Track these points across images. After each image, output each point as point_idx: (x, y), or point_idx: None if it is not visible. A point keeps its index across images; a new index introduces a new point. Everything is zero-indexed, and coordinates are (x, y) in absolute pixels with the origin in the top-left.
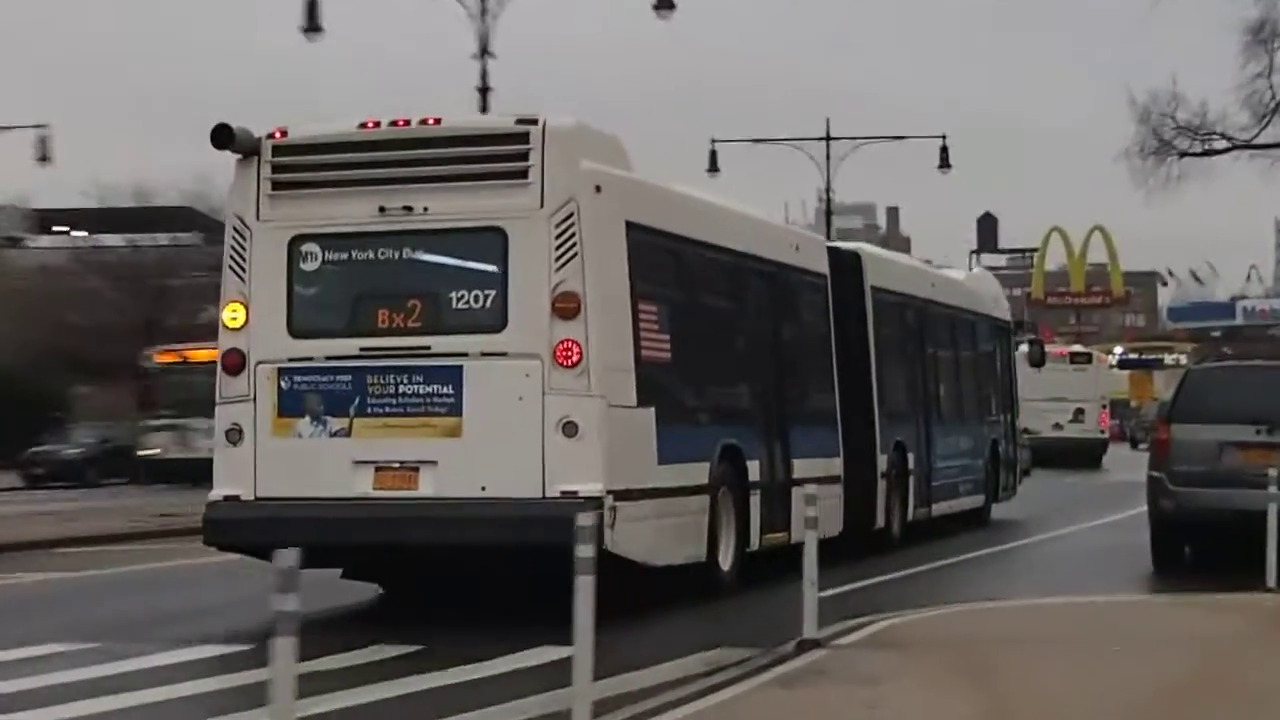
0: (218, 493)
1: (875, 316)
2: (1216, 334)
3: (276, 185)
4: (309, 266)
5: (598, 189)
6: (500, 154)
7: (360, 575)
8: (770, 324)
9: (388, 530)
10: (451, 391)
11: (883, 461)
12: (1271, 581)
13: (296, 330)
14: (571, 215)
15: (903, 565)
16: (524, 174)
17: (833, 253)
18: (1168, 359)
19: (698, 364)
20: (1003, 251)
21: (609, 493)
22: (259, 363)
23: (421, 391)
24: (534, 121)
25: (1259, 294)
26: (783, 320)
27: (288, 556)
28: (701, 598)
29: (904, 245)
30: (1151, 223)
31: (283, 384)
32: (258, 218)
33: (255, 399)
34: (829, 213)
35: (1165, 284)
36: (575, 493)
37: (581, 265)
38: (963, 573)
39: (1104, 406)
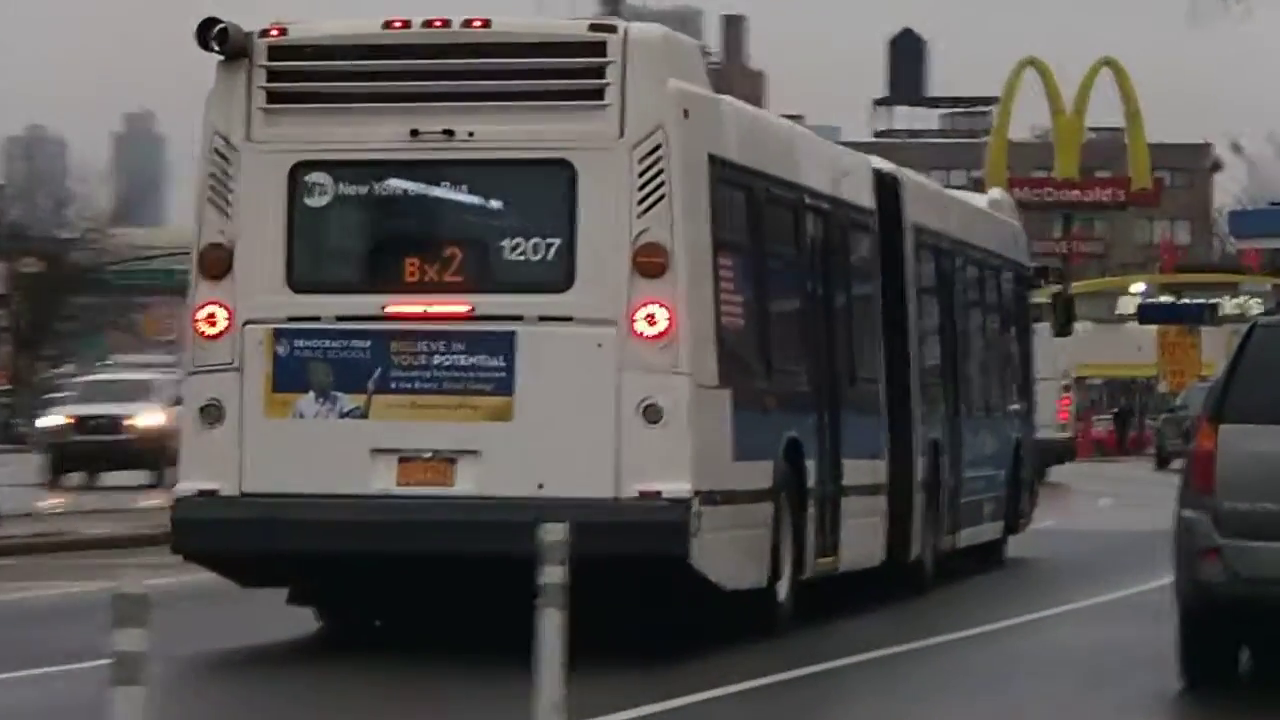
0: (188, 486)
1: (915, 269)
2: None
3: (273, 97)
4: (316, 202)
5: (685, 114)
6: (569, 68)
7: (335, 600)
8: (825, 280)
9: (415, 537)
10: (501, 364)
11: (920, 467)
12: None
13: (299, 283)
14: (659, 147)
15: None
16: (599, 94)
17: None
18: (1228, 305)
19: (766, 334)
20: (934, 102)
21: (696, 494)
22: (248, 322)
23: (462, 364)
24: (612, 29)
25: None
26: (836, 274)
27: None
28: (753, 635)
29: (754, 86)
30: (1203, 57)
31: (279, 350)
32: (248, 138)
33: (242, 368)
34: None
35: (1221, 168)
36: (657, 493)
37: (670, 210)
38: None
39: (1065, 388)
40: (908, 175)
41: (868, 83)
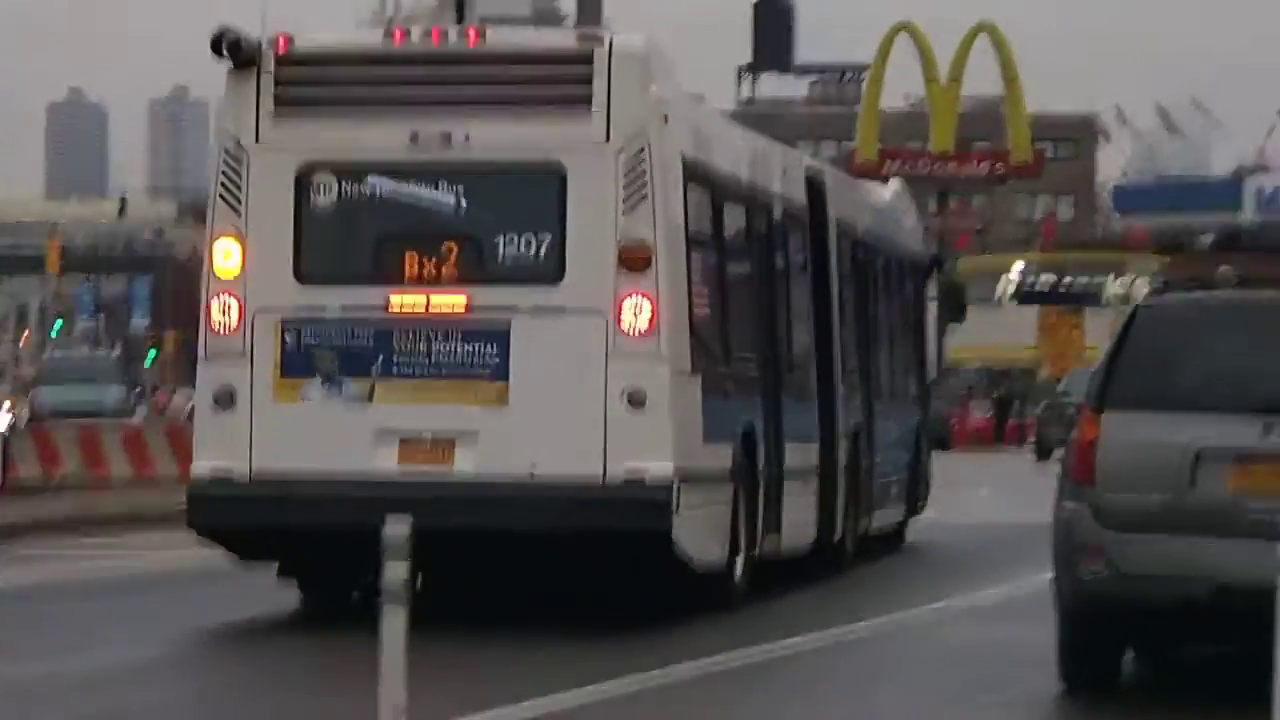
0: (202, 466)
1: (837, 259)
2: (1205, 238)
3: (281, 102)
4: (322, 200)
5: (665, 119)
6: (558, 76)
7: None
8: (770, 273)
9: (416, 514)
10: (496, 352)
11: (843, 452)
12: None
13: (306, 276)
14: (642, 150)
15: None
16: (586, 100)
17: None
18: (1113, 286)
19: (726, 324)
20: (803, 70)
21: (676, 474)
22: (258, 312)
23: (460, 351)
24: (599, 40)
25: None
26: (779, 268)
27: None
28: (711, 612)
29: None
30: (1087, 22)
31: (287, 339)
32: (257, 140)
33: (252, 356)
34: None
35: (1109, 139)
36: (643, 473)
37: (653, 209)
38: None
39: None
40: (830, 172)
41: (734, 49)
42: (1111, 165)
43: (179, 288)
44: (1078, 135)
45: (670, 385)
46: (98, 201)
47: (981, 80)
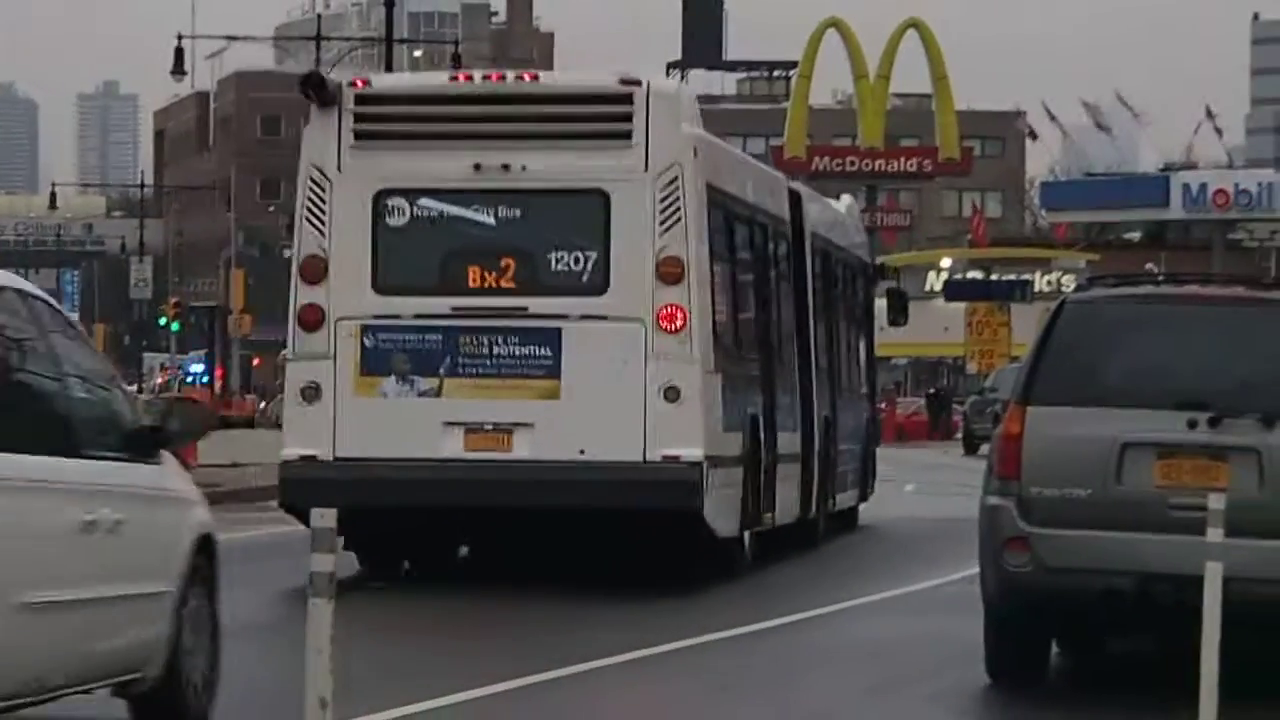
0: (292, 452)
1: (810, 267)
2: (1132, 236)
3: (359, 136)
4: (396, 222)
5: (695, 151)
6: (602, 114)
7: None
8: (766, 282)
9: (480, 493)
10: (549, 353)
11: (817, 439)
12: (1208, 714)
13: (382, 287)
14: (676, 179)
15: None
16: (627, 135)
17: None
18: (1042, 283)
19: (737, 328)
20: (731, 66)
21: (706, 458)
22: (340, 319)
23: (517, 353)
24: (638, 82)
25: (1213, 162)
26: (772, 277)
27: None
28: (724, 576)
29: (543, 47)
30: (1011, 22)
31: (366, 341)
32: (339, 169)
33: (335, 356)
34: None
35: (1035, 137)
36: (677, 457)
37: (685, 230)
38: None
39: None
40: (804, 190)
41: (663, 45)
42: (1040, 162)
43: (108, 282)
44: (1006, 132)
45: (700, 382)
46: (27, 196)
47: (910, 78)
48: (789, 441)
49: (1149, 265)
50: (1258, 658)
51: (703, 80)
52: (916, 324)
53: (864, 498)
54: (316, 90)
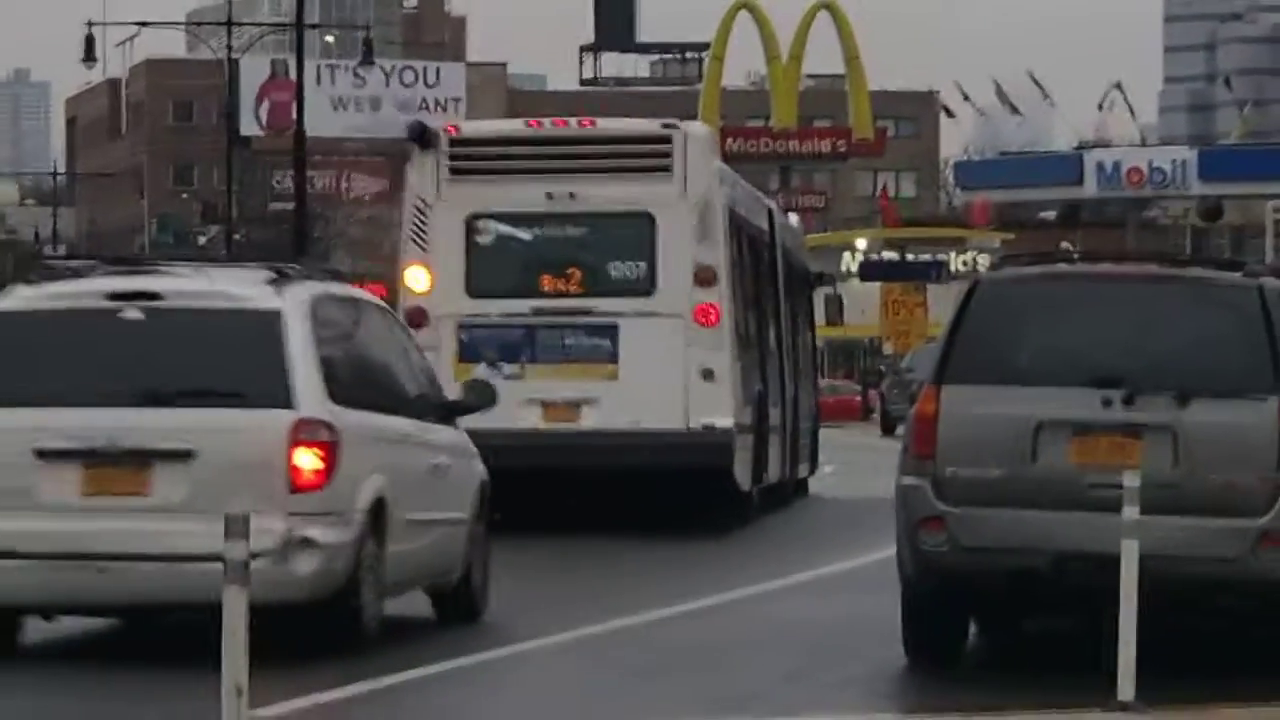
0: None
1: (781, 272)
2: (1048, 215)
3: (454, 171)
4: (484, 240)
5: (720, 181)
6: (648, 152)
7: None
8: (758, 284)
9: (555, 457)
10: (609, 343)
11: (789, 415)
12: (1126, 692)
13: (474, 292)
14: (708, 203)
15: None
16: (669, 169)
17: None
18: (957, 262)
19: (747, 321)
20: (644, 49)
21: (734, 425)
22: (440, 317)
23: (583, 343)
24: (676, 126)
25: (1126, 140)
26: (762, 280)
27: None
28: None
29: (455, 32)
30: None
31: (462, 336)
32: (438, 197)
33: (439, 348)
34: None
35: (952, 115)
36: (713, 425)
37: (714, 243)
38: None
39: None
40: (774, 206)
41: (576, 29)
42: (954, 142)
43: (22, 270)
44: (920, 113)
45: (729, 365)
46: None
47: (823, 58)
48: (776, 415)
49: (1064, 244)
50: (1174, 635)
51: (615, 63)
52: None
53: (812, 470)
54: (420, 138)
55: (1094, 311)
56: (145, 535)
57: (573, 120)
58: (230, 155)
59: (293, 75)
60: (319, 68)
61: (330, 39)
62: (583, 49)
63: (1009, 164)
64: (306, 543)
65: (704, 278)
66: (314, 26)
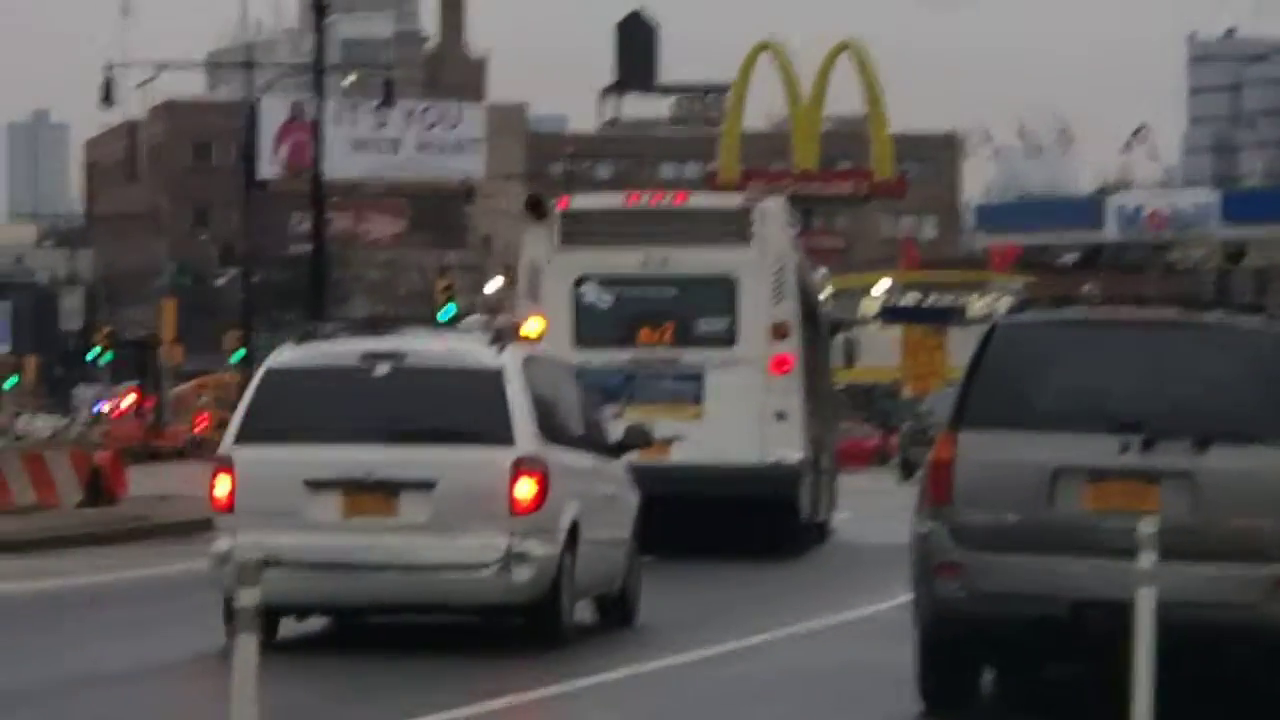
0: None
1: (819, 326)
2: (1070, 259)
3: (564, 239)
4: (589, 298)
5: (794, 248)
6: (731, 223)
7: None
8: (809, 336)
9: (650, 486)
10: (696, 387)
11: (826, 456)
12: None
13: (580, 342)
14: (783, 268)
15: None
16: (749, 238)
17: None
18: (978, 304)
19: (808, 368)
20: (665, 90)
21: (802, 461)
22: None
23: (674, 388)
24: (755, 200)
25: (1151, 181)
26: (811, 333)
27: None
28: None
29: (474, 75)
30: (950, 41)
31: None
32: (549, 262)
33: None
34: (320, 6)
35: (988, 142)
36: (784, 460)
37: (788, 302)
38: None
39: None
40: (808, 262)
41: (597, 70)
42: (976, 183)
43: (39, 313)
44: (941, 154)
45: (799, 408)
46: None
47: (845, 100)
48: (827, 457)
49: (1087, 287)
50: (1191, 683)
51: (636, 104)
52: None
53: (832, 508)
54: (535, 210)
55: (1113, 356)
56: (394, 549)
57: (667, 195)
58: (248, 197)
59: (311, 117)
60: (338, 109)
61: (350, 80)
62: (603, 90)
63: (1029, 207)
64: (524, 556)
65: (780, 332)
66: (334, 68)
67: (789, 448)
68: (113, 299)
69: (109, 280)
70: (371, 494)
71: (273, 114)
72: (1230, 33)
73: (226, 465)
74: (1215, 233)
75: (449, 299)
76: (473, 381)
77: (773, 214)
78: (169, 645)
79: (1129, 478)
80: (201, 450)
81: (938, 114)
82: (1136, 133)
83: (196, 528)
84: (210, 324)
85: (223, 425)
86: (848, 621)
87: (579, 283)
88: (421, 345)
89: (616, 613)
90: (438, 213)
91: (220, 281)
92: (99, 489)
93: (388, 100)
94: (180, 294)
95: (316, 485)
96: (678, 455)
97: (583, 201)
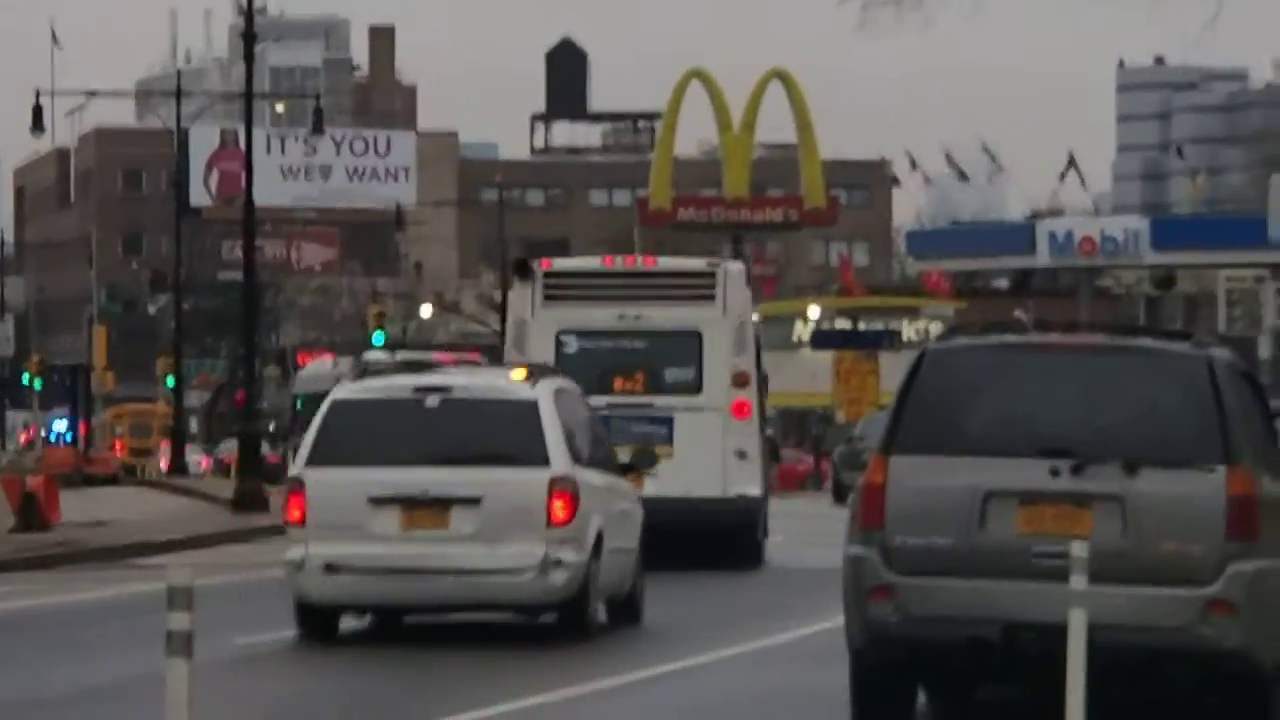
0: None
1: (760, 366)
2: (1000, 284)
3: (547, 297)
4: (569, 350)
5: (751, 305)
6: (697, 283)
7: None
8: (759, 379)
9: None
10: (666, 431)
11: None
12: None
13: None
14: (743, 323)
15: None
16: (712, 296)
17: None
18: (909, 330)
19: (761, 408)
20: (596, 117)
21: (761, 495)
22: None
23: (647, 430)
24: (719, 265)
25: (1079, 209)
26: (759, 375)
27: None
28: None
29: (405, 101)
30: (880, 68)
31: None
32: (532, 317)
33: None
34: (249, 34)
35: (899, 183)
36: (745, 494)
37: (748, 354)
38: None
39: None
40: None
41: (528, 97)
42: (907, 210)
43: None
44: (872, 181)
45: (757, 447)
46: None
47: (776, 127)
48: (766, 488)
49: (1018, 312)
50: (1123, 705)
51: (567, 132)
52: (784, 374)
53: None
54: (521, 271)
55: (1043, 381)
56: (447, 556)
57: (639, 258)
58: (179, 224)
59: (242, 144)
60: (269, 137)
61: (280, 108)
62: (534, 117)
63: (961, 233)
64: (560, 562)
65: (740, 380)
66: (263, 96)
67: (749, 483)
68: (44, 326)
69: (40, 307)
70: (426, 509)
71: (203, 142)
72: (1159, 61)
73: (298, 485)
74: (1144, 259)
75: (380, 325)
76: (512, 411)
77: (734, 276)
78: (106, 669)
79: (1060, 501)
80: (133, 477)
81: (870, 141)
82: (1071, 164)
83: (131, 552)
84: (143, 350)
85: (137, 453)
86: (779, 644)
87: (560, 336)
88: (466, 380)
89: (625, 613)
90: (369, 240)
91: (153, 309)
92: (32, 514)
93: (318, 128)
94: (112, 321)
95: (378, 502)
96: (650, 489)
97: (563, 263)
